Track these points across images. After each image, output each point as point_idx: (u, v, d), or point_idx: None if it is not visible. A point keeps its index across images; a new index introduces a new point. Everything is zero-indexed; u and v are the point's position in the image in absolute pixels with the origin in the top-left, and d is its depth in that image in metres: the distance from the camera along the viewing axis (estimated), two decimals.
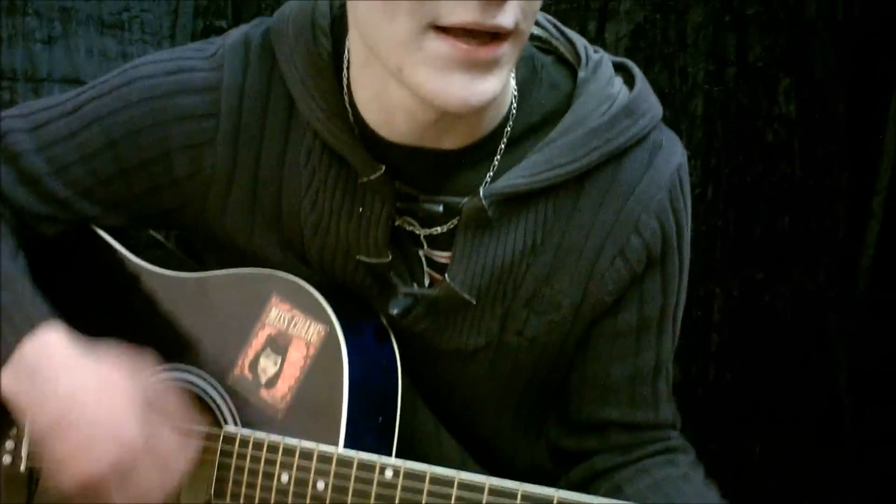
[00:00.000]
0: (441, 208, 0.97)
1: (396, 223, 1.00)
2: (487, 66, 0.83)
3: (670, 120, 1.92)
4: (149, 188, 1.05)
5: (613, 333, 1.04)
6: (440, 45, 0.82)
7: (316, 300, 0.98)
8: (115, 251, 1.10)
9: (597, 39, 1.90)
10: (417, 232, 1.00)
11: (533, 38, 1.03)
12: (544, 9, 1.82)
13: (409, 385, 1.04)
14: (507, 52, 0.84)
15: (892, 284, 1.96)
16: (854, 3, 1.96)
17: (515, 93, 0.99)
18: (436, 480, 0.88)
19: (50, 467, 0.96)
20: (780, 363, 1.96)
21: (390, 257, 1.00)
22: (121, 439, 0.93)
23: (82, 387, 0.95)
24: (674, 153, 1.01)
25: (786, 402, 1.97)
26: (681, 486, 1.01)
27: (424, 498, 0.88)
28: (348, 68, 0.98)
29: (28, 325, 0.96)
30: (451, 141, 0.96)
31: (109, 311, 1.11)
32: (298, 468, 0.94)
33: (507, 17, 0.81)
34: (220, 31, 1.87)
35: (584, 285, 0.99)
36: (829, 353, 1.98)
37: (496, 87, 0.85)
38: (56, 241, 1.09)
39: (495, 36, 0.82)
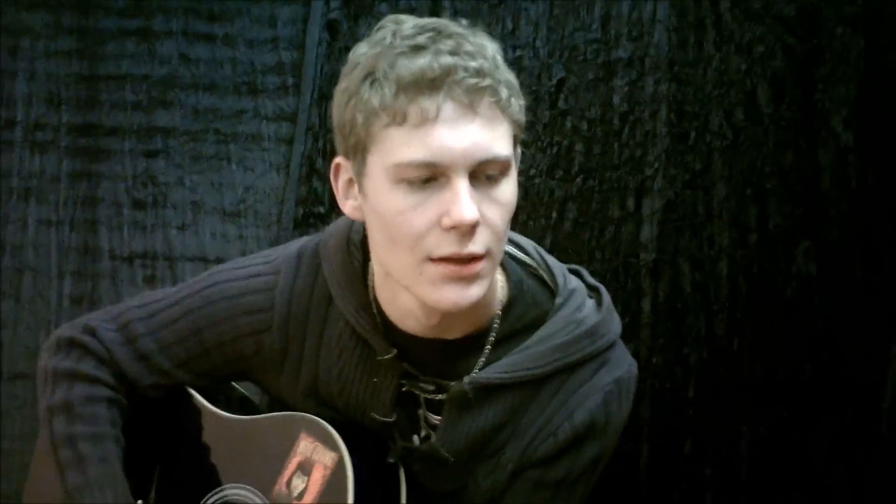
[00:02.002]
0: (434, 387, 1.32)
1: (404, 389, 1.34)
2: (470, 279, 1.18)
3: (699, 282, 2.22)
4: (225, 362, 1.42)
5: (534, 481, 1.33)
6: (435, 270, 1.18)
7: (331, 434, 1.32)
8: (197, 401, 1.49)
9: (635, 213, 2.22)
10: (417, 393, 1.35)
11: (524, 264, 1.37)
12: (587, 192, 2.15)
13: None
14: (484, 267, 1.19)
15: None
16: (867, 174, 2.22)
17: (504, 301, 1.33)
18: None
19: None
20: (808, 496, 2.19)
21: (395, 417, 1.35)
22: None
23: None
24: (617, 368, 1.32)
25: None
26: None
27: None
28: (373, 276, 1.34)
29: None
30: (451, 334, 1.31)
31: (190, 443, 1.49)
32: None
33: (477, 246, 1.17)
34: (319, 216, 2.28)
35: (521, 454, 1.31)
36: (856, 485, 2.19)
37: (479, 293, 1.20)
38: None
39: (474, 258, 1.17)
